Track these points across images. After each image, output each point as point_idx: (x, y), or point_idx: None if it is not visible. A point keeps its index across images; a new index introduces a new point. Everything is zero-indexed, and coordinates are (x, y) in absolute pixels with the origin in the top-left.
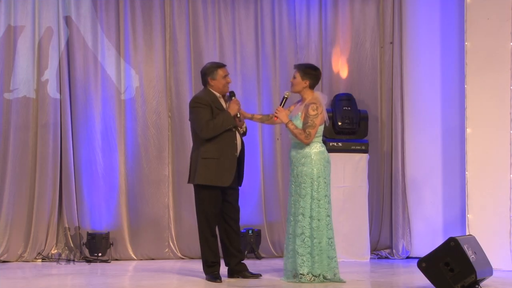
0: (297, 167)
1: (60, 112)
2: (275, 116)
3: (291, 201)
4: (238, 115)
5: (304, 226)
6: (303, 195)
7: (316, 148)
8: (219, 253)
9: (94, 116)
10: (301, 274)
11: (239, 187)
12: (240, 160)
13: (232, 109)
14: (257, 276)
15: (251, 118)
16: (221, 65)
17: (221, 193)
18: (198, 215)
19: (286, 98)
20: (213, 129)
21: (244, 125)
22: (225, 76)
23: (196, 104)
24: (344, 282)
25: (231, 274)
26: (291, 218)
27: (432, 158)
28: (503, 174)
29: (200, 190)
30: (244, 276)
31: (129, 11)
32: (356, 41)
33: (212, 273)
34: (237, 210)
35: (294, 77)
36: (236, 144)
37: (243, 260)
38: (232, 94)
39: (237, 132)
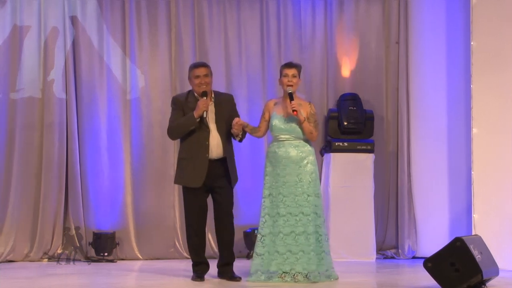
0: (300, 167)
1: (66, 112)
2: (294, 111)
3: (295, 200)
4: (205, 116)
5: (318, 225)
6: (314, 193)
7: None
8: (202, 253)
9: (99, 116)
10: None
11: (236, 188)
12: (224, 162)
13: (196, 110)
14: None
15: (245, 127)
16: (195, 65)
17: (207, 192)
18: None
19: (292, 93)
20: (172, 130)
21: (241, 133)
22: (197, 76)
23: (171, 105)
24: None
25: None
26: (298, 218)
27: (438, 158)
28: (509, 174)
29: (183, 189)
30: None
31: (135, 11)
32: (361, 41)
33: (195, 272)
34: (224, 212)
35: (294, 76)
36: (208, 145)
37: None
38: (203, 94)
39: (218, 134)
